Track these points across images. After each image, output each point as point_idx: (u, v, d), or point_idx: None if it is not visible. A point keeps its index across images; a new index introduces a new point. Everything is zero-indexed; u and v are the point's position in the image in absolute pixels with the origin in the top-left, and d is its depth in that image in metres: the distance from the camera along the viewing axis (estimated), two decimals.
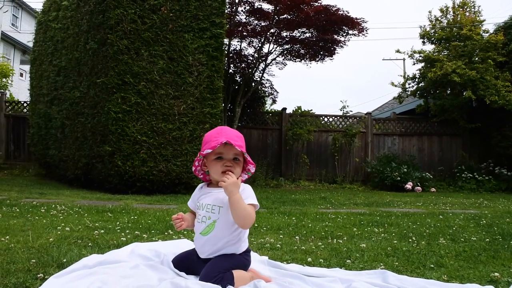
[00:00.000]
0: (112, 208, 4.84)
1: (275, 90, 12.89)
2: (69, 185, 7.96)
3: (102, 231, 3.34)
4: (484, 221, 4.68)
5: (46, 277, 2.00)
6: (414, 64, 12.39)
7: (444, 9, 12.48)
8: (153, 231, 3.47)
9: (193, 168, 2.15)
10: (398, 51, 12.64)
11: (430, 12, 12.76)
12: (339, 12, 10.84)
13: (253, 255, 2.31)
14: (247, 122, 12.04)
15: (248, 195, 2.03)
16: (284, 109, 12.26)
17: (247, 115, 12.06)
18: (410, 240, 3.43)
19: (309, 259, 2.61)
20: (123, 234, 3.25)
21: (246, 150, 2.08)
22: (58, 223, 3.63)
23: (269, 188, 10.07)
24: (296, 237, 3.42)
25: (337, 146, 11.93)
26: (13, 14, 24.45)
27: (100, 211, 4.62)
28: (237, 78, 12.04)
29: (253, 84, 11.96)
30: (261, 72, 12.13)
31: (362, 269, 2.43)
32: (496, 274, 2.32)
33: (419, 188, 10.58)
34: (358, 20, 11.04)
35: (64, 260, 2.32)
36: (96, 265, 2.08)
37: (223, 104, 8.86)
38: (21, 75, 23.77)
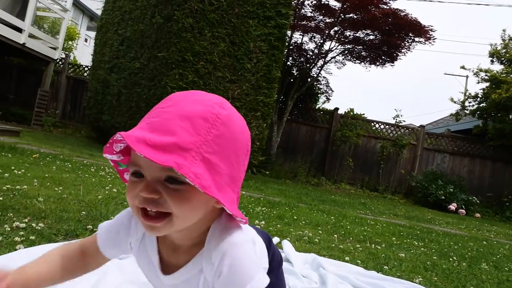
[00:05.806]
0: None
1: (330, 89, 12.75)
2: None
3: None
4: None
5: (94, 229, 2.08)
6: (478, 82, 11.92)
7: None
8: None
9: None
10: (463, 67, 12.25)
11: (504, 30, 12.17)
12: (407, 17, 10.55)
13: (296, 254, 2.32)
14: (297, 117, 11.97)
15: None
16: (337, 109, 12.09)
17: (298, 109, 12.00)
18: (450, 259, 3.32)
19: (347, 258, 2.58)
20: None
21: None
22: (106, 184, 3.77)
23: (309, 186, 10.01)
24: (335, 235, 3.39)
25: (384, 155, 11.67)
26: None
27: None
28: (293, 72, 11.99)
29: (309, 79, 11.88)
30: (319, 68, 12.02)
31: (399, 277, 2.38)
32: None
33: (463, 211, 10.20)
34: (427, 28, 10.70)
35: (112, 218, 2.40)
36: None
37: (276, 95, 8.86)
38: (86, 40, 24.64)
